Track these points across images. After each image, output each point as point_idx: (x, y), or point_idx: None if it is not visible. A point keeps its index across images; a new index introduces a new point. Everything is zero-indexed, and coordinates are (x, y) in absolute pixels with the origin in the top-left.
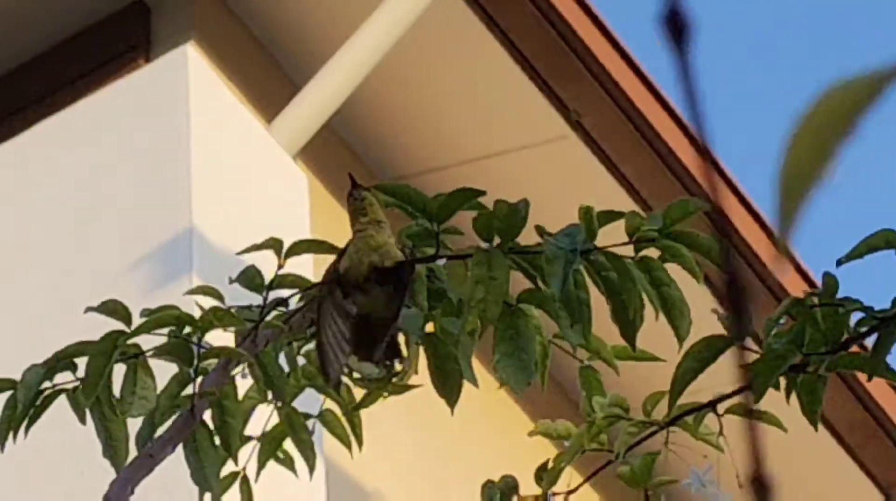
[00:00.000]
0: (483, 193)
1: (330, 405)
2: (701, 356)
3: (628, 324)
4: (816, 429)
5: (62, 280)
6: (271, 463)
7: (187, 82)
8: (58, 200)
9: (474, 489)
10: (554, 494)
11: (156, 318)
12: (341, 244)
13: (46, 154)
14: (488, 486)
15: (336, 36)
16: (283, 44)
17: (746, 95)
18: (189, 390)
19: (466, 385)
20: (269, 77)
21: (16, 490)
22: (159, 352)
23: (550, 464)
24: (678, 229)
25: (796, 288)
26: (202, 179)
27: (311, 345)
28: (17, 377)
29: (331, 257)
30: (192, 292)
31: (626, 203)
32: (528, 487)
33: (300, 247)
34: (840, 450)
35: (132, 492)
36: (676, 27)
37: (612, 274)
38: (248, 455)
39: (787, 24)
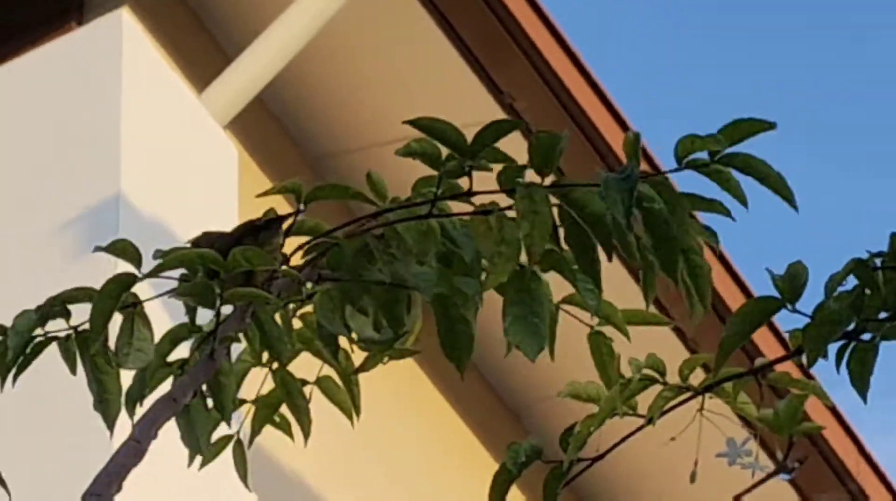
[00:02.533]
0: (519, 124)
1: (327, 371)
2: (750, 319)
3: (670, 257)
4: (865, 402)
5: None
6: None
7: (120, 48)
8: None
9: (395, 480)
10: (580, 460)
11: (178, 256)
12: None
13: None
14: (513, 447)
15: (271, 8)
16: (218, 14)
17: None
18: (187, 343)
19: (388, 376)
20: (201, 47)
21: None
22: (181, 293)
23: (578, 428)
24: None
25: None
26: (132, 145)
27: (308, 307)
28: None
29: (359, 207)
30: (106, 248)
31: None
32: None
33: (321, 192)
34: None
35: (156, 435)
36: None
37: (656, 205)
38: (240, 420)
39: None
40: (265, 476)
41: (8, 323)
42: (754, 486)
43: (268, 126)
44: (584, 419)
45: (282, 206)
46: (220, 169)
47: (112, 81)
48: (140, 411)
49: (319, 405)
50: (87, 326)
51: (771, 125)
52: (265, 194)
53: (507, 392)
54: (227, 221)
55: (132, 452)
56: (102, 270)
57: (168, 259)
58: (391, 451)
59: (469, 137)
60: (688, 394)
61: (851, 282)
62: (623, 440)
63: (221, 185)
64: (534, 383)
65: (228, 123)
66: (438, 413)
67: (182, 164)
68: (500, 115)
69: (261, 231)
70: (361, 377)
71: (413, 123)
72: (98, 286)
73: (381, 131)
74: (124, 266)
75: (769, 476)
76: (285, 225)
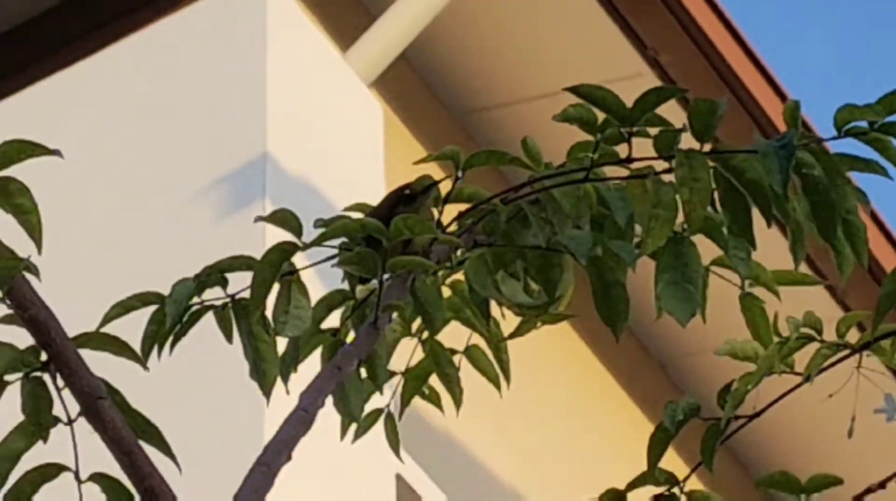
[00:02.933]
0: (680, 91)
1: (475, 340)
2: None
3: (830, 223)
4: None
5: (135, 202)
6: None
7: (265, 7)
8: (132, 122)
9: (540, 438)
10: (737, 417)
11: (341, 225)
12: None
13: (121, 76)
14: (670, 405)
15: None
16: None
17: None
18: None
19: (543, 341)
20: (346, 5)
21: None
22: (344, 262)
23: (735, 385)
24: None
25: None
26: (277, 105)
27: (457, 275)
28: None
29: (509, 169)
30: (268, 218)
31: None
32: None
33: (479, 159)
34: None
35: (322, 404)
36: None
37: (815, 172)
38: (391, 392)
39: None
40: (417, 435)
41: (160, 285)
42: None
43: (412, 83)
44: (742, 377)
45: (423, 164)
46: (366, 127)
47: (257, 40)
48: (294, 378)
49: (469, 364)
50: (243, 294)
51: None
52: (422, 161)
53: (653, 345)
54: (373, 179)
55: (301, 421)
56: (249, 230)
57: (331, 229)
58: (540, 407)
59: (614, 92)
60: (845, 352)
61: None
62: (780, 397)
63: (367, 143)
64: (680, 336)
65: (373, 81)
66: (585, 367)
67: (327, 123)
68: (645, 69)
69: (417, 197)
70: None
71: (572, 90)
72: (247, 247)
73: (526, 87)
74: (271, 227)
75: None
76: (445, 192)
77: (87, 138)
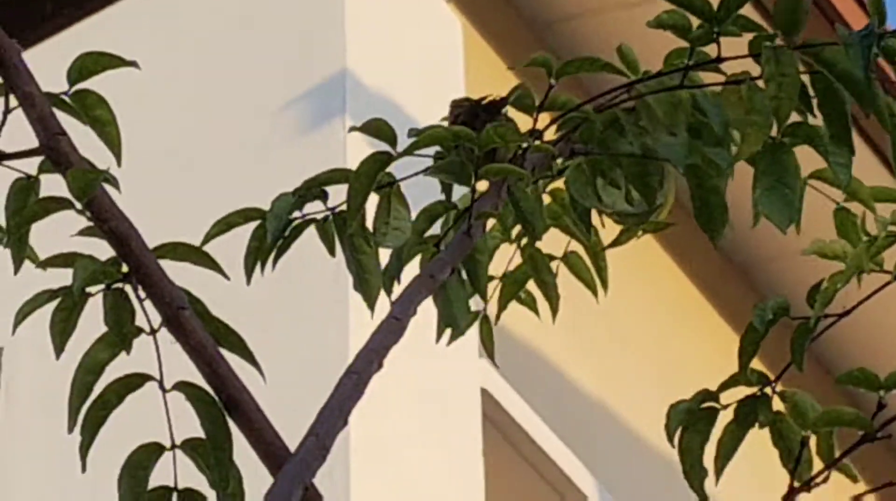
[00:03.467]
0: None
1: (573, 247)
2: None
3: None
4: None
5: (215, 119)
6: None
7: None
8: (211, 41)
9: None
10: (826, 316)
11: (433, 134)
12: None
13: None
14: (759, 306)
15: None
16: None
17: None
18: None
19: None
20: None
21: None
22: (435, 171)
23: (825, 284)
24: None
25: None
26: (357, 21)
27: (557, 183)
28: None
29: (601, 76)
30: (361, 128)
31: None
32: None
33: (572, 66)
34: None
35: (415, 312)
36: None
37: None
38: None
39: None
40: (499, 347)
41: (239, 200)
42: None
43: None
44: (831, 276)
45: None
46: (445, 42)
47: None
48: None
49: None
50: (343, 207)
51: None
52: (513, 67)
53: (735, 251)
54: (452, 93)
55: (392, 329)
56: (330, 146)
57: (423, 137)
58: (621, 316)
59: None
60: None
61: None
62: (869, 296)
63: (446, 57)
64: (761, 241)
65: None
66: (666, 274)
67: (406, 38)
68: None
69: (498, 105)
70: None
71: None
72: (328, 163)
73: None
74: (353, 142)
75: None
76: (538, 101)
77: (167, 54)
